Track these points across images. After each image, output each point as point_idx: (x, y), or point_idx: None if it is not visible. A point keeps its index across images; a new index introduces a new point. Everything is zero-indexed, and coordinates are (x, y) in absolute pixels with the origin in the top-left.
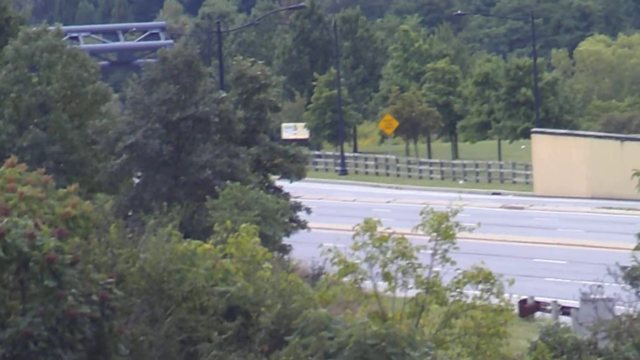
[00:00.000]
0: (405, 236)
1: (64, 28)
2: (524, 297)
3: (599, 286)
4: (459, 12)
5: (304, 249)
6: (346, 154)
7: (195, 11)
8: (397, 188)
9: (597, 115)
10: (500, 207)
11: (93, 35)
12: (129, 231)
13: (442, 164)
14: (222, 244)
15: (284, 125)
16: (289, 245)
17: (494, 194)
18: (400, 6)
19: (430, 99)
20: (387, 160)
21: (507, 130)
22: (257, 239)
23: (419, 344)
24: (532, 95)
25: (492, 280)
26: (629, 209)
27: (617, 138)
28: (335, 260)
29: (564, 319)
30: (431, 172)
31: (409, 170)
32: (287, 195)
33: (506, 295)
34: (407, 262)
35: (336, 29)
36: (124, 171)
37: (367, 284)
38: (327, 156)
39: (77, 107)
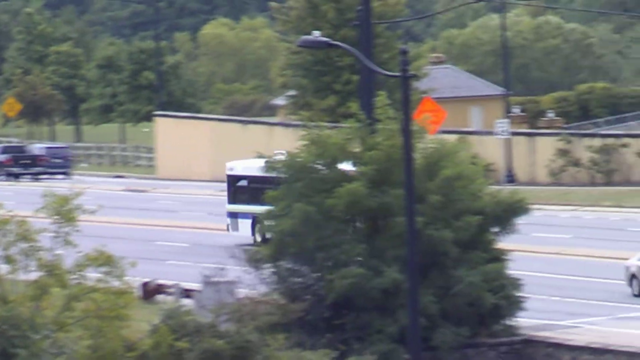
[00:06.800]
0: (27, 219)
1: None
2: (146, 279)
3: (221, 269)
4: None
5: None
6: None
7: None
8: None
9: (220, 98)
10: (123, 190)
11: None
12: None
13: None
14: None
15: None
16: None
17: (116, 176)
18: None
19: (53, 82)
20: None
21: (130, 114)
22: None
23: (40, 327)
24: (155, 79)
25: (113, 263)
26: None
27: (239, 121)
28: None
29: (186, 301)
30: None
31: None
32: None
33: (128, 278)
34: (29, 244)
35: None
36: None
37: None
38: None
39: None
